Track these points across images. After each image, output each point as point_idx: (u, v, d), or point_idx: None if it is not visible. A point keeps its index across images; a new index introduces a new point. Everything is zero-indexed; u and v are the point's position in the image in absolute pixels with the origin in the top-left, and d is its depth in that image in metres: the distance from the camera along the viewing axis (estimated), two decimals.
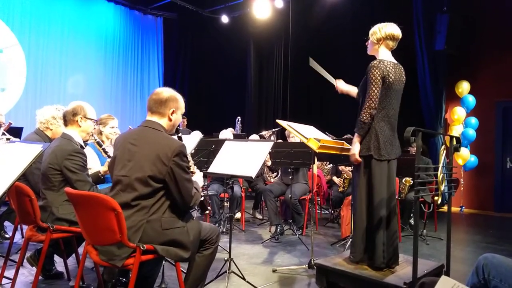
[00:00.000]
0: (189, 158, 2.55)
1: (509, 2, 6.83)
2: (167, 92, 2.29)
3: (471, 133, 7.09)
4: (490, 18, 7.20)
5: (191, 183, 2.17)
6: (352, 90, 3.20)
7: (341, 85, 3.26)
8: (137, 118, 10.22)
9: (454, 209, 7.22)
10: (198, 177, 2.50)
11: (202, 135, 4.45)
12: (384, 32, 2.91)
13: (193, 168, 2.54)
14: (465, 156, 7.07)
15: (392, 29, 2.92)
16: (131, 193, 2.07)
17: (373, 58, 2.94)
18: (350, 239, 4.06)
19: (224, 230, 4.70)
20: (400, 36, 2.95)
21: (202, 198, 2.56)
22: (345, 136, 5.46)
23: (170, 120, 2.27)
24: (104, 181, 3.11)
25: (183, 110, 2.37)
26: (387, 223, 2.84)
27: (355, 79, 3.20)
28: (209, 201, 5.10)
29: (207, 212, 2.78)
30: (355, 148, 2.90)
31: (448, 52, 6.93)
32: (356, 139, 2.89)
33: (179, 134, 2.46)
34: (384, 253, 2.80)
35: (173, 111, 2.27)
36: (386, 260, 2.80)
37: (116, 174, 2.17)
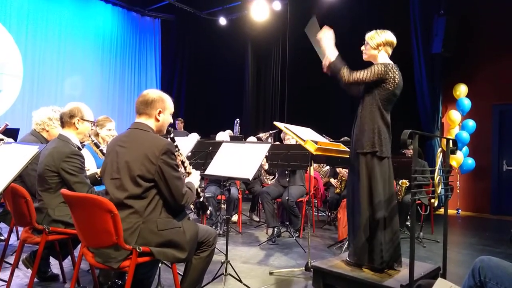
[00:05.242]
0: (184, 159, 2.54)
1: (506, 5, 6.87)
2: (153, 93, 2.30)
3: (465, 136, 7.12)
4: (487, 21, 7.24)
5: (181, 181, 2.16)
6: (329, 51, 2.88)
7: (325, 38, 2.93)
8: (134, 120, 10.20)
9: (451, 211, 7.24)
10: (194, 177, 2.48)
11: (200, 137, 4.44)
12: (385, 38, 2.88)
13: (189, 168, 2.53)
14: (459, 159, 7.09)
15: (391, 36, 2.91)
16: (123, 193, 2.08)
17: (371, 63, 2.90)
18: (348, 241, 4.06)
19: (221, 232, 4.69)
20: (395, 44, 2.95)
21: (202, 199, 2.55)
22: (342, 139, 5.47)
23: (157, 120, 2.27)
24: (101, 182, 3.10)
25: (172, 111, 2.36)
26: (388, 222, 2.83)
27: None
28: (206, 203, 5.09)
29: (208, 212, 2.77)
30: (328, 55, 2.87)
31: (445, 55, 6.96)
32: (330, 57, 2.85)
33: (171, 135, 2.44)
34: (383, 253, 2.79)
35: (160, 111, 2.27)
36: (386, 259, 2.80)
37: (108, 178, 2.16)
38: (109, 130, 3.68)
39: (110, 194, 2.13)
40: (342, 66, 2.84)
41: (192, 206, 3.17)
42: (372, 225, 2.83)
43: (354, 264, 2.89)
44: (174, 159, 2.15)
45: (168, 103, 2.32)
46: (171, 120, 2.40)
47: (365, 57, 2.99)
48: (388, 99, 2.83)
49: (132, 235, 2.03)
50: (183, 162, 2.50)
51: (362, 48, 2.99)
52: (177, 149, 2.41)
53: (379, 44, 2.89)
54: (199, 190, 2.52)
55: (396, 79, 2.78)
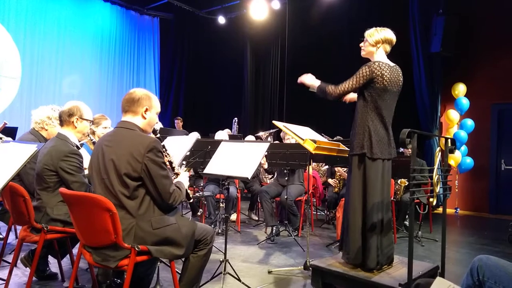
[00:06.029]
0: (172, 159, 2.52)
1: (505, 5, 6.88)
2: (139, 91, 2.29)
3: (463, 135, 7.13)
4: (486, 20, 7.24)
5: (168, 180, 2.14)
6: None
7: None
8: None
9: (449, 210, 7.25)
10: (183, 178, 2.46)
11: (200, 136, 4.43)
12: (384, 36, 2.89)
13: (178, 169, 2.52)
14: (457, 158, 7.10)
15: (390, 34, 2.92)
16: (113, 194, 2.07)
17: (369, 60, 2.92)
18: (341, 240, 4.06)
19: (219, 231, 4.69)
20: (395, 42, 2.97)
21: (192, 200, 2.55)
22: (335, 138, 5.47)
23: (144, 118, 2.26)
24: None
25: (158, 110, 2.35)
26: (381, 225, 2.83)
27: None
28: (205, 202, 5.09)
29: (199, 214, 2.76)
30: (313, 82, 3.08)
31: (443, 54, 6.96)
32: (315, 85, 3.05)
33: (157, 135, 2.43)
34: (379, 256, 2.79)
35: (146, 109, 2.26)
36: (381, 261, 2.80)
37: (97, 178, 2.15)
38: (105, 128, 3.68)
39: (100, 194, 2.11)
40: (326, 86, 2.98)
41: None
42: (368, 226, 2.82)
43: (352, 262, 2.89)
44: (161, 157, 2.13)
45: (154, 102, 2.31)
46: (157, 120, 2.39)
47: (363, 53, 3.02)
48: (381, 97, 2.80)
49: (128, 236, 2.04)
50: (171, 163, 2.49)
51: (361, 44, 3.02)
52: (164, 149, 2.39)
53: (377, 42, 2.90)
54: (189, 191, 2.51)
55: (384, 76, 2.77)
